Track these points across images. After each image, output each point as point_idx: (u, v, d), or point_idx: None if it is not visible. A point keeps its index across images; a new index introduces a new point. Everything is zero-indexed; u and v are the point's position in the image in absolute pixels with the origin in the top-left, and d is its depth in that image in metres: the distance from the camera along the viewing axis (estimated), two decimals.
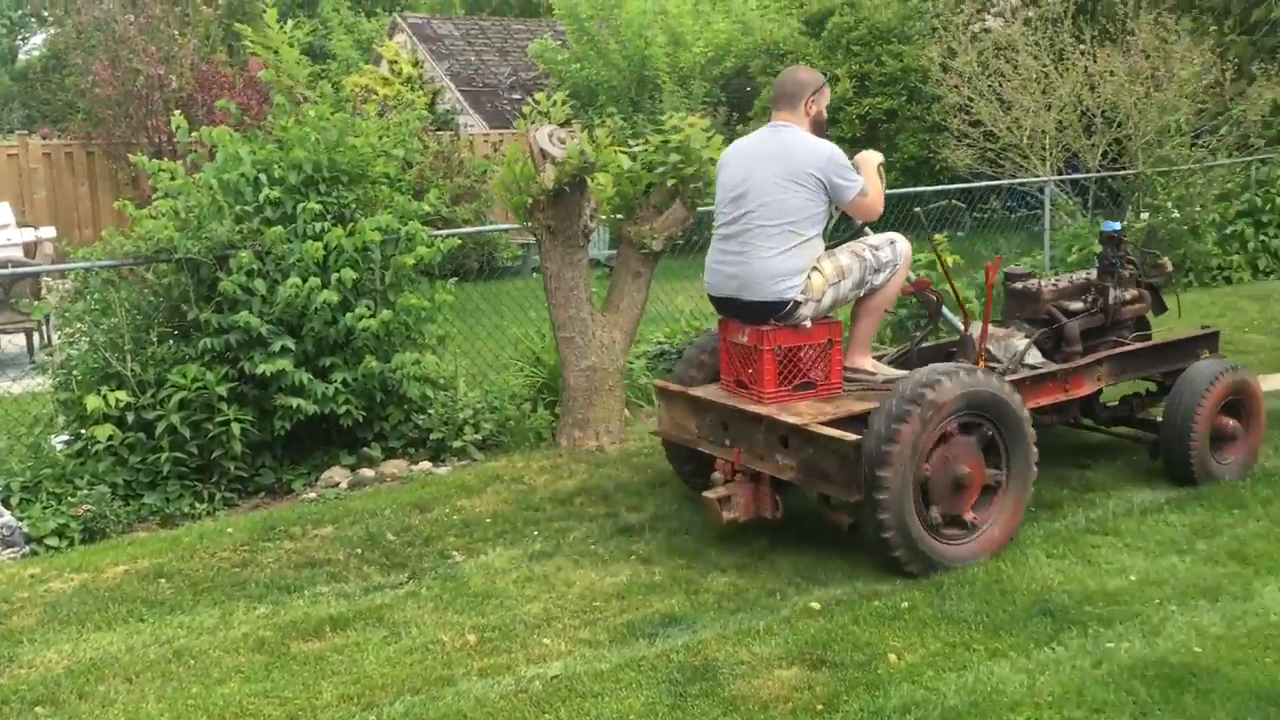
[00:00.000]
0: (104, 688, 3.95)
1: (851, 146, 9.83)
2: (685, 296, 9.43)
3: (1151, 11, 11.78)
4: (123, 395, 5.88)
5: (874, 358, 5.39)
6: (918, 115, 15.26)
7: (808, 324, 4.95)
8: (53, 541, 5.46)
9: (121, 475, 5.90)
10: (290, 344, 6.06)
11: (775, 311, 4.90)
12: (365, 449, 6.45)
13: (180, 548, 5.26)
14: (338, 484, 6.18)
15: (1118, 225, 5.94)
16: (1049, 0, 12.11)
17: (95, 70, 13.65)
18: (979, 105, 12.13)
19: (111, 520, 5.65)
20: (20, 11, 33.62)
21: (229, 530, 5.46)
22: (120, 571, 5.00)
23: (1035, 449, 4.71)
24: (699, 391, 5.22)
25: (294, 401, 6.02)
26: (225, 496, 6.04)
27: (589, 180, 6.31)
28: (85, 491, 5.73)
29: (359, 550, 5.12)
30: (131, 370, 6.00)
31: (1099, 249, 5.95)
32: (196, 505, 5.91)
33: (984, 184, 11.95)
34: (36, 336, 9.99)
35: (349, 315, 6.15)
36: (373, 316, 6.17)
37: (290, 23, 7.67)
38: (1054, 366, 5.38)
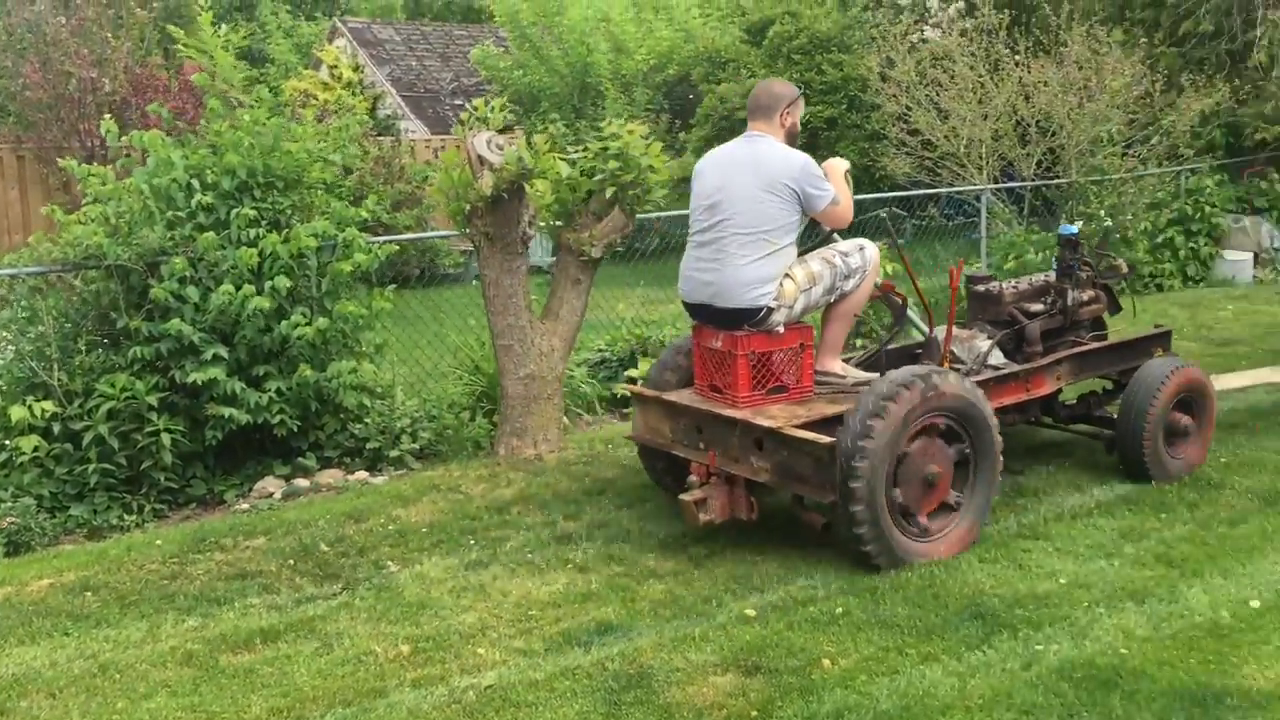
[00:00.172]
0: (26, 703, 3.86)
1: None
2: (626, 304, 9.44)
3: (1084, 23, 12.00)
4: (49, 405, 5.76)
5: (841, 359, 5.50)
6: (857, 124, 15.41)
7: (781, 329, 5.03)
8: None
9: (47, 487, 5.77)
10: (223, 352, 5.97)
11: (749, 318, 4.97)
12: (300, 459, 6.37)
13: (107, 560, 5.16)
14: (271, 494, 6.09)
15: (1075, 229, 6.10)
16: (985, 11, 12.30)
17: (25, 73, 13.36)
18: (917, 114, 12.28)
19: (36, 533, 5.52)
20: None
21: (158, 542, 5.37)
22: (45, 585, 4.89)
23: (1000, 440, 4.87)
24: (673, 396, 5.29)
25: (226, 411, 5.93)
26: (155, 508, 5.93)
27: (527, 187, 6.29)
28: (9, 504, 5.59)
29: (291, 561, 5.05)
30: (58, 380, 5.87)
31: (1058, 252, 6.10)
32: (125, 517, 5.80)
33: (922, 192, 12.10)
34: None
35: (284, 323, 6.07)
36: (308, 324, 6.10)
37: (225, 26, 7.58)
38: (1016, 367, 5.54)
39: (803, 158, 5.02)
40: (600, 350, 8.28)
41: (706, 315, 5.14)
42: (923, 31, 14.66)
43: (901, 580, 4.49)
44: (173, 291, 5.89)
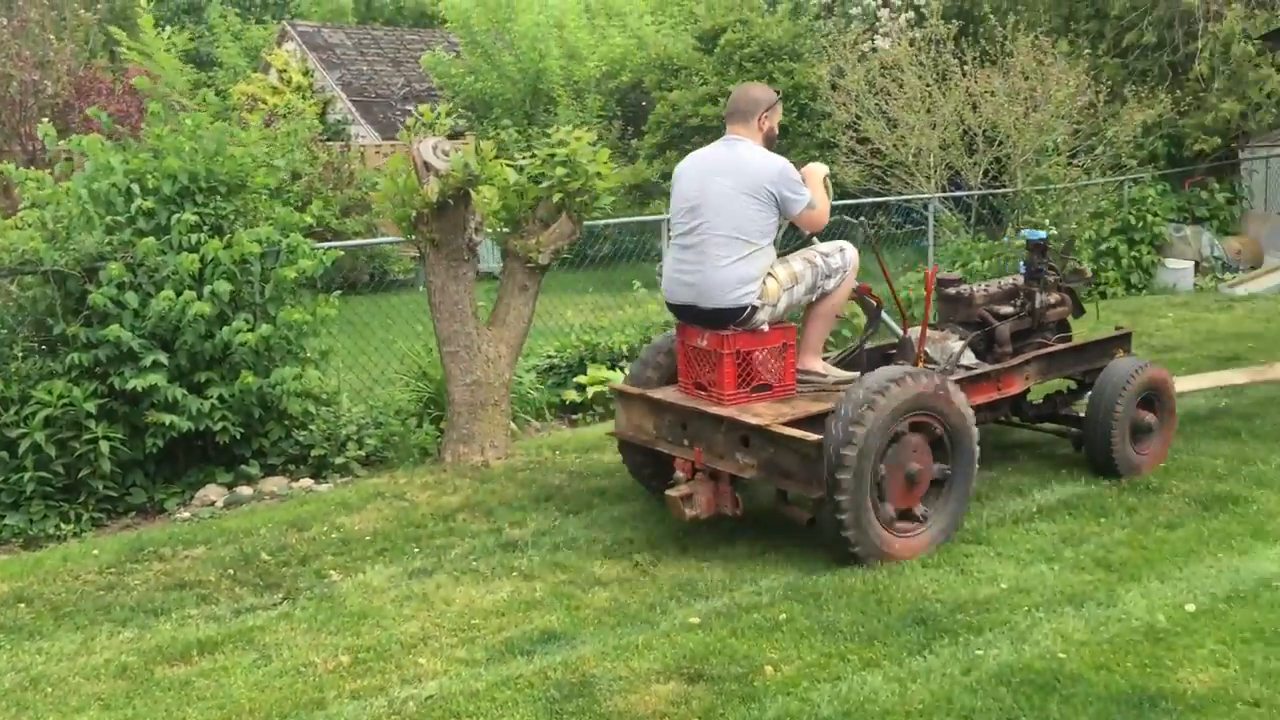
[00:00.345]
0: None
1: None
2: (575, 310, 9.43)
3: (1029, 34, 12.17)
4: None
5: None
6: (808, 132, 15.51)
7: (765, 328, 5.12)
8: None
9: None
10: (163, 359, 5.88)
11: (734, 317, 5.05)
12: (243, 466, 6.29)
13: (42, 570, 5.06)
14: (213, 503, 6.01)
15: (1043, 234, 6.28)
16: (933, 22, 12.43)
17: None
18: (866, 123, 12.39)
19: None
20: None
21: (95, 552, 5.27)
22: None
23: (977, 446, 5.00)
24: (658, 393, 5.35)
25: (167, 418, 5.84)
26: (93, 517, 5.83)
27: (473, 193, 6.26)
28: None
29: (231, 571, 4.98)
30: None
31: (1026, 256, 6.27)
32: (62, 526, 5.69)
33: (871, 200, 12.20)
34: None
35: (226, 329, 5.99)
36: (251, 330, 6.03)
37: (169, 29, 7.48)
38: (988, 367, 5.69)
39: (781, 162, 5.10)
40: (549, 357, 8.25)
41: (691, 316, 5.22)
42: (873, 40, 14.78)
43: (846, 586, 4.51)
44: (111, 297, 5.80)
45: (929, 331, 5.72)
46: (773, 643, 4.07)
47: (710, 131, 15.34)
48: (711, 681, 3.81)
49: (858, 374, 5.13)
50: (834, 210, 5.46)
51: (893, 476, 4.73)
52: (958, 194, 12.43)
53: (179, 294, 5.83)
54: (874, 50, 13.92)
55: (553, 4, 19.01)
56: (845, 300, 5.50)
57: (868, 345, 5.88)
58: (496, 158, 6.40)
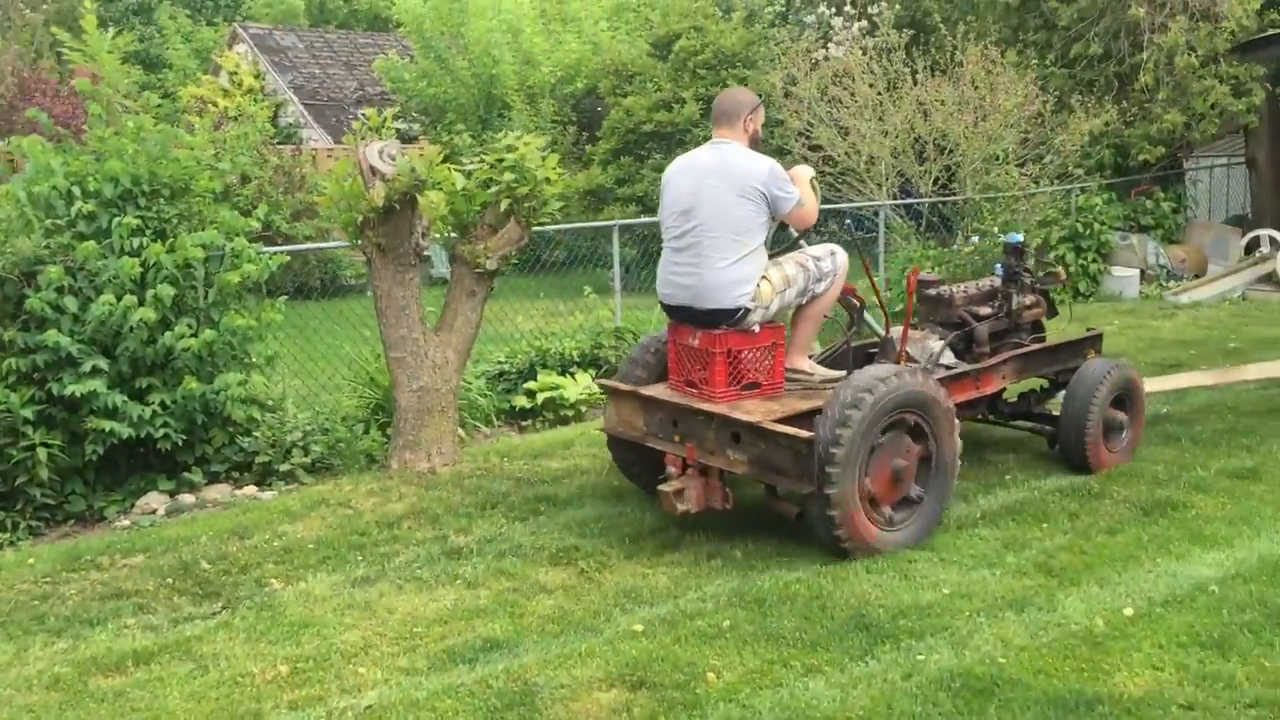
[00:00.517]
0: None
1: None
2: (525, 316, 9.39)
3: (979, 44, 12.30)
4: None
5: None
6: (762, 139, 15.56)
7: (756, 328, 5.22)
8: None
9: None
10: (103, 364, 5.79)
11: (728, 318, 5.15)
12: (186, 474, 6.20)
13: None
14: (154, 511, 5.92)
15: (1020, 237, 6.46)
16: (885, 31, 12.52)
17: None
18: (819, 130, 12.46)
19: None
20: None
21: (31, 561, 5.18)
22: None
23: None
24: (650, 390, 5.41)
25: (107, 425, 5.75)
26: (30, 525, 5.73)
27: (420, 198, 6.22)
28: None
29: (170, 580, 4.91)
30: None
31: (1003, 258, 6.43)
32: None
33: (824, 207, 12.25)
34: None
35: (168, 334, 5.91)
36: (194, 336, 5.95)
37: (113, 30, 7.38)
38: (967, 366, 5.84)
39: (769, 162, 5.19)
40: (500, 363, 8.22)
41: (686, 316, 5.31)
42: (826, 49, 14.87)
43: (790, 592, 4.52)
44: (50, 302, 5.70)
45: (909, 332, 5.84)
46: (716, 650, 4.07)
47: (664, 138, 15.37)
48: (654, 689, 3.80)
49: (844, 373, 5.27)
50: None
51: (879, 472, 4.84)
52: (909, 201, 12.52)
53: (119, 299, 5.74)
54: (827, 59, 14.00)
55: (507, 9, 18.96)
56: (834, 302, 5.61)
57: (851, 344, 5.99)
58: (446, 162, 6.36)
